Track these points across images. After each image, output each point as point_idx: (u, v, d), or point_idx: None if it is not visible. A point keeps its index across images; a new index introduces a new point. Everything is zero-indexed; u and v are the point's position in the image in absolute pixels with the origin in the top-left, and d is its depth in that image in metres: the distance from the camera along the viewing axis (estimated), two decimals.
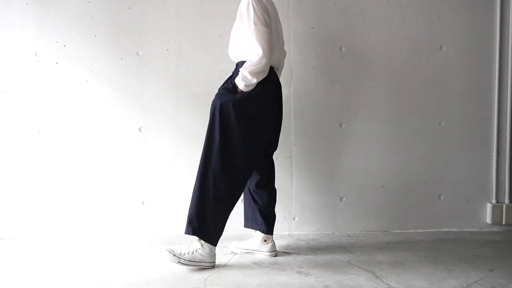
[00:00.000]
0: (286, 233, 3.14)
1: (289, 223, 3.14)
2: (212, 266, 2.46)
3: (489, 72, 3.16)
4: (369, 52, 3.12)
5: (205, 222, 2.42)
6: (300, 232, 3.15)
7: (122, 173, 3.09)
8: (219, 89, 2.53)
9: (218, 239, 2.48)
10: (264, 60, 2.36)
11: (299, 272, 2.40)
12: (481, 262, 2.55)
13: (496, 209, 3.16)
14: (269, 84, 2.49)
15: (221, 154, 2.41)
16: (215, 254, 2.48)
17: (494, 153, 3.18)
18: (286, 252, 2.75)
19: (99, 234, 3.07)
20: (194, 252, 2.43)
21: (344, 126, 3.13)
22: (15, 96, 3.03)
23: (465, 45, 3.15)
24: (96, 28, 3.04)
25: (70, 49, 3.04)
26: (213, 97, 2.46)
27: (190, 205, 2.45)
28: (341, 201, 3.15)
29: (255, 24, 2.37)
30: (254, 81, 2.39)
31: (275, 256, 2.66)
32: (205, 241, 2.44)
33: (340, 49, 3.11)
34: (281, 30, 2.65)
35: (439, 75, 3.15)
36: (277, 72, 2.65)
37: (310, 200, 3.14)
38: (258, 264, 2.53)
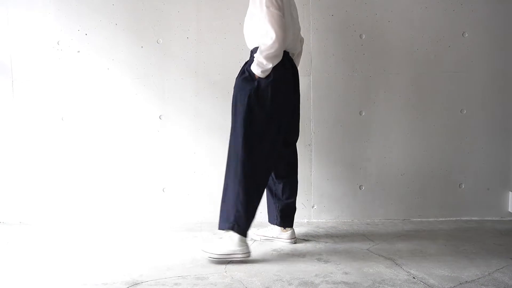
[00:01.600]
0: (305, 220, 3.15)
1: (308, 211, 3.15)
2: (248, 255, 2.40)
3: (511, 59, 3.12)
4: (389, 39, 3.09)
5: (239, 215, 2.39)
6: (319, 220, 3.15)
7: (142, 161, 3.12)
8: (236, 79, 2.50)
9: (248, 230, 2.45)
10: (277, 44, 2.30)
11: (319, 259, 2.42)
12: (502, 251, 2.53)
13: None
14: (285, 70, 2.46)
15: (247, 145, 2.38)
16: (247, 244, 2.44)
17: None
18: (305, 239, 2.76)
19: (120, 221, 3.11)
20: (226, 246, 2.40)
21: (364, 114, 3.11)
22: (39, 84, 3.08)
23: (487, 32, 3.10)
24: (116, 17, 3.06)
25: (92, 37, 3.07)
26: (232, 84, 2.46)
27: (226, 200, 2.44)
28: (360, 189, 3.15)
29: (267, 7, 2.32)
30: (270, 66, 2.35)
31: (294, 243, 2.67)
32: (239, 234, 2.40)
33: (360, 36, 3.08)
34: (296, 15, 2.60)
35: (461, 63, 3.11)
36: (293, 58, 2.60)
37: (329, 188, 3.14)
38: (277, 251, 2.55)
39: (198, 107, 3.10)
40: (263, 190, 2.49)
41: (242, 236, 2.40)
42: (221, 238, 2.49)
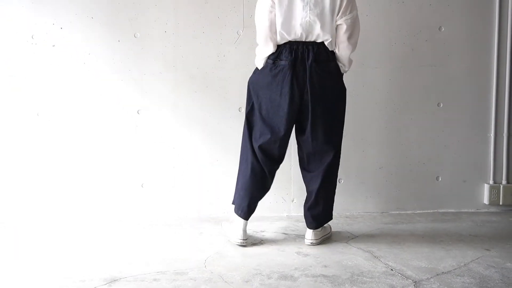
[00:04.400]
0: (285, 214, 3.15)
1: (288, 205, 3.16)
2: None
3: (488, 53, 3.16)
4: (367, 33, 3.09)
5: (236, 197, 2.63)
6: (299, 214, 3.15)
7: (120, 156, 3.09)
8: None
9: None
10: (257, 36, 2.48)
11: (298, 253, 2.43)
12: (478, 242, 2.58)
13: (494, 189, 3.18)
14: (274, 64, 2.44)
15: (244, 128, 2.61)
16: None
17: (492, 134, 3.19)
18: (285, 233, 2.77)
19: (99, 217, 3.07)
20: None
21: None
22: (13, 79, 3.01)
23: (464, 26, 3.13)
24: (93, 10, 3.01)
25: (67, 31, 3.01)
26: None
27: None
28: (339, 182, 3.16)
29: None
30: (256, 59, 2.52)
31: (310, 244, 2.57)
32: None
33: None
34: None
35: (438, 56, 3.14)
36: (307, 41, 2.43)
37: None
38: (257, 245, 2.55)
39: (177, 101, 3.08)
40: (241, 179, 2.60)
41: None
42: None
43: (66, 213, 3.08)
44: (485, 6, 3.13)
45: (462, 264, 2.26)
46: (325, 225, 2.65)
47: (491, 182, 3.20)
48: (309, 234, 2.58)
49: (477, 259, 2.33)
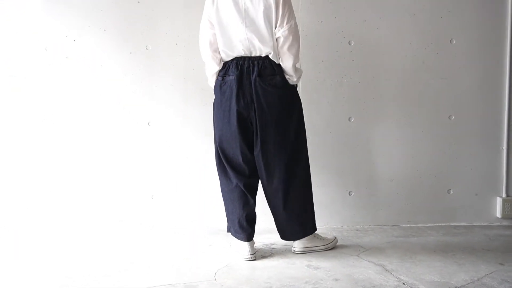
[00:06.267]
0: None
1: None
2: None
3: (500, 65, 3.14)
4: (378, 46, 3.11)
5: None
6: None
7: (131, 167, 3.10)
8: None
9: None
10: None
11: (309, 266, 2.41)
12: (491, 256, 2.54)
13: (506, 203, 3.15)
14: (223, 80, 2.53)
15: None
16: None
17: (504, 147, 3.16)
18: None
19: (109, 228, 3.07)
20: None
21: (353, 120, 3.12)
22: (26, 90, 3.04)
23: (475, 39, 3.13)
24: (105, 23, 3.05)
25: (80, 43, 3.05)
26: None
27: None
28: (349, 195, 3.15)
29: None
30: (208, 81, 2.66)
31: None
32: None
33: (349, 42, 3.09)
34: (240, 15, 2.45)
35: (449, 69, 3.13)
36: (258, 57, 2.48)
37: (318, 194, 3.12)
38: (267, 258, 2.53)
39: (187, 113, 3.09)
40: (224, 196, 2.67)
41: None
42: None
43: (75, 224, 3.08)
44: (497, 18, 3.12)
45: (475, 278, 2.23)
46: (313, 236, 2.66)
47: (503, 195, 3.17)
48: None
49: (490, 273, 2.29)
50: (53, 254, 2.61)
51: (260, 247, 2.70)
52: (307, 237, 2.62)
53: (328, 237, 2.70)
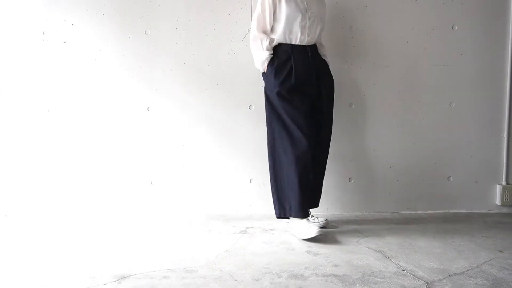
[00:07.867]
0: None
1: None
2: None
3: (502, 52, 3.12)
4: (379, 32, 3.08)
5: None
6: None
7: (130, 153, 3.08)
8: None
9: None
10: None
11: (308, 252, 2.41)
12: (490, 243, 2.54)
13: (506, 190, 3.15)
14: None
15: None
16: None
17: (505, 134, 3.15)
18: None
19: (108, 214, 3.07)
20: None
21: (353, 106, 3.11)
22: (24, 75, 3.02)
23: (477, 25, 3.10)
24: (104, 7, 3.01)
25: (78, 28, 3.02)
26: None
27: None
28: (350, 181, 3.14)
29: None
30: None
31: None
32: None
33: (351, 28, 3.07)
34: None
35: (451, 55, 3.11)
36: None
37: None
38: (267, 244, 2.53)
39: (187, 98, 3.07)
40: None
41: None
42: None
43: (75, 210, 3.08)
44: (499, 5, 3.10)
45: (474, 265, 2.23)
46: None
47: (503, 182, 3.17)
48: None
49: (490, 260, 2.30)
50: (52, 239, 2.61)
51: (260, 233, 2.69)
52: None
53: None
